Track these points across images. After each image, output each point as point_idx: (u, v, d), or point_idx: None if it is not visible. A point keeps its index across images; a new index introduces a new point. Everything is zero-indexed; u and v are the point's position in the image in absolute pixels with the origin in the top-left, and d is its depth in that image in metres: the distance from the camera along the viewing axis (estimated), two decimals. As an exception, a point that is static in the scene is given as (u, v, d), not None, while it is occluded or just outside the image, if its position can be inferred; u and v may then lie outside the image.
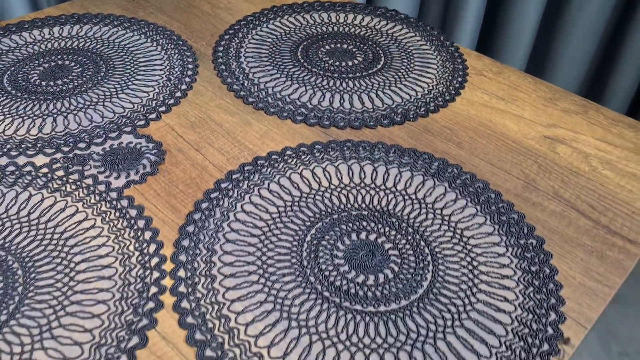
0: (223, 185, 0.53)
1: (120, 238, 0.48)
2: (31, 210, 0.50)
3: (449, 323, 0.43)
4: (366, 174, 0.55)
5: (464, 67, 0.71)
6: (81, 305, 0.43)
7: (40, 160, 0.55)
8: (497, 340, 0.42)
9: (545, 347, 0.42)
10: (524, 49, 1.07)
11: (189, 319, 0.42)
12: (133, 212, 0.50)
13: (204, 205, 0.51)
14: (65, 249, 0.46)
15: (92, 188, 0.52)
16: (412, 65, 0.71)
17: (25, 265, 0.45)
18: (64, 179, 0.53)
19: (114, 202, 0.51)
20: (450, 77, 0.69)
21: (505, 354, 0.41)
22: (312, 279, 0.45)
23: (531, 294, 0.45)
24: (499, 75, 0.71)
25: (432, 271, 0.47)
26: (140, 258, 0.46)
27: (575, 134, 0.62)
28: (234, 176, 0.54)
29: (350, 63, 0.71)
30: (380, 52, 0.74)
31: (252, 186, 0.53)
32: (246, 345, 0.41)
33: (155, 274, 0.45)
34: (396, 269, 0.47)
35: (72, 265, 0.45)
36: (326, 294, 0.45)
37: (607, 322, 1.25)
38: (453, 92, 0.67)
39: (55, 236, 0.48)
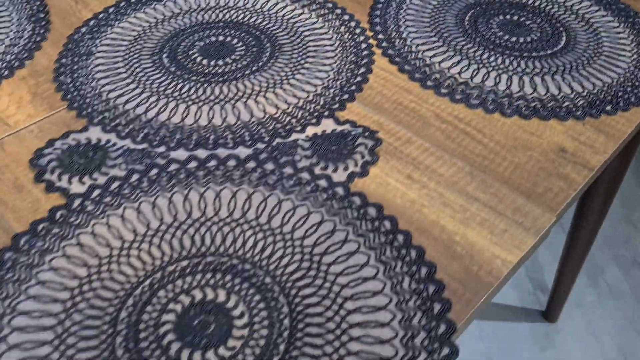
0: (391, -10, 0.69)
1: (330, 24, 0.63)
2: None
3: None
4: None
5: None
6: (315, 58, 0.59)
7: None
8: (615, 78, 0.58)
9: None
10: None
11: (397, 59, 0.58)
12: (329, 5, 0.66)
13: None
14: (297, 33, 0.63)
15: None
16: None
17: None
18: None
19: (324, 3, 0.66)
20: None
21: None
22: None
23: (643, 47, 0.60)
24: None
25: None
26: (348, 32, 0.62)
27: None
28: (397, -16, 0.70)
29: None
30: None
31: None
32: (440, 68, 0.57)
33: (362, 37, 0.61)
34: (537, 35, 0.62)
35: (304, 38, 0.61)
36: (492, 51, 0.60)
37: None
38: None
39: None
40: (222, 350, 0.36)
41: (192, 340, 0.36)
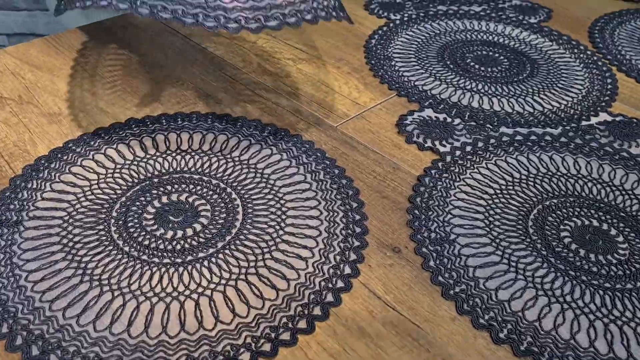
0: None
1: (564, 47, 0.79)
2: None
3: None
4: None
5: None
6: (568, 77, 0.74)
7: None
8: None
9: None
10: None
11: (632, 74, 0.73)
12: (555, 33, 0.81)
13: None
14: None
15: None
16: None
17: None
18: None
19: None
20: None
21: None
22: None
23: None
24: None
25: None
26: (581, 53, 0.77)
27: None
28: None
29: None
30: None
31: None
32: None
33: (594, 57, 0.76)
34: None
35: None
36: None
37: None
38: None
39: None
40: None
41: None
